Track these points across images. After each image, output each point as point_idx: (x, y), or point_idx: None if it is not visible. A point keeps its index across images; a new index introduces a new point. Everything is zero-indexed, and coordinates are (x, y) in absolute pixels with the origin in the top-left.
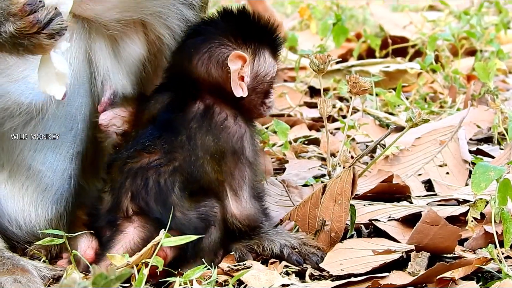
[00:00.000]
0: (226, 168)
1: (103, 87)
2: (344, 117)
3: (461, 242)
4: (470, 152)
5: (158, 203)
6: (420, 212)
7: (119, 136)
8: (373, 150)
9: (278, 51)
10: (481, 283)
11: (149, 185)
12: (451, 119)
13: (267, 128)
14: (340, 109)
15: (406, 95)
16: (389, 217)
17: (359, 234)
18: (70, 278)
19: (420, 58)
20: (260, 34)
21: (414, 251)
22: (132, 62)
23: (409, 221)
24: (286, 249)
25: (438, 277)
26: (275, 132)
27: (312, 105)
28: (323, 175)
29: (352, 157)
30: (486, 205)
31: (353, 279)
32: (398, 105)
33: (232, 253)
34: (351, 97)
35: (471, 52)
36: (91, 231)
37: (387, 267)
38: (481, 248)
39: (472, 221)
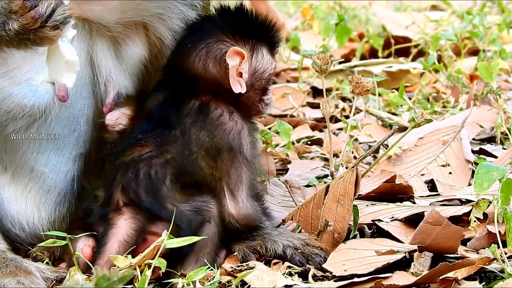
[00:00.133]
0: (223, 165)
1: (105, 89)
2: (347, 117)
3: (464, 242)
4: (473, 152)
5: (148, 194)
6: (423, 212)
7: (117, 134)
8: (376, 151)
9: (275, 48)
10: (484, 283)
11: (139, 176)
12: (454, 119)
13: (270, 128)
14: (343, 109)
15: (409, 95)
16: (392, 217)
17: (362, 235)
18: (73, 280)
19: (423, 58)
20: (257, 31)
21: (417, 251)
22: (134, 63)
23: (412, 221)
24: (289, 249)
25: (441, 277)
26: (278, 132)
27: (315, 106)
28: (326, 176)
29: (355, 157)
30: (489, 205)
31: (356, 279)
32: (401, 105)
33: (235, 254)
34: (353, 97)
35: (474, 52)
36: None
37: (390, 268)
38: (484, 248)
39: (474, 221)
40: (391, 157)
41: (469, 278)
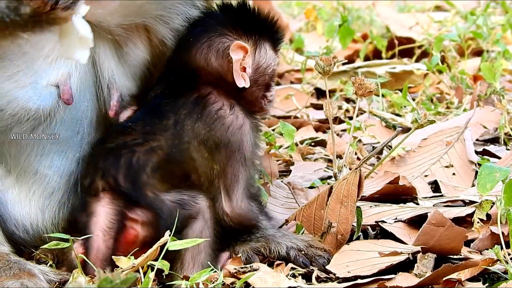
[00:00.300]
0: (220, 159)
1: (109, 91)
2: (351, 118)
3: (468, 243)
4: (477, 153)
5: (127, 180)
6: (427, 213)
7: None
8: (380, 152)
9: (278, 44)
10: (487, 284)
11: (120, 162)
12: (458, 120)
13: (273, 130)
14: (347, 110)
15: (412, 96)
16: (396, 218)
17: (366, 236)
18: (76, 283)
19: (427, 59)
20: (260, 27)
21: (420, 253)
22: (137, 65)
23: (416, 222)
24: (292, 251)
25: (444, 279)
26: (281, 134)
27: (319, 107)
28: (329, 177)
29: (358, 158)
30: (492, 206)
31: (359, 281)
32: (405, 106)
33: (238, 256)
34: (357, 99)
35: (478, 53)
36: None
37: (394, 269)
38: (487, 249)
39: (478, 222)
40: (395, 158)
41: (472, 279)
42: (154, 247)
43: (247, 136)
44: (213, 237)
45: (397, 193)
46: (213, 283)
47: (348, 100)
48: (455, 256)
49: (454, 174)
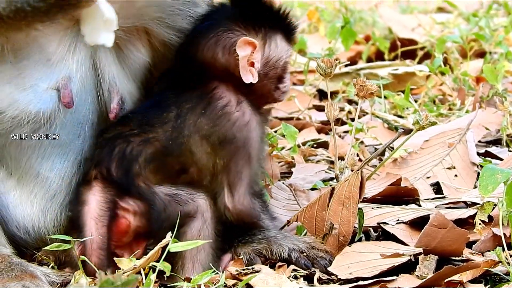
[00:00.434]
0: (224, 155)
1: (109, 94)
2: (353, 120)
3: (470, 244)
4: (479, 154)
5: (119, 169)
6: (429, 215)
7: None
8: (382, 153)
9: (291, 34)
10: (489, 286)
11: (114, 152)
12: (460, 122)
13: (275, 131)
14: (349, 112)
15: (415, 98)
16: (398, 220)
17: (368, 237)
18: (77, 284)
19: (429, 61)
20: (271, 19)
21: (422, 254)
22: (138, 68)
23: (418, 224)
24: (294, 253)
25: (446, 280)
26: (283, 135)
27: (321, 108)
28: (331, 178)
29: (360, 160)
30: (494, 208)
31: (361, 282)
32: (407, 108)
33: (240, 257)
34: (359, 100)
35: (481, 54)
36: None
37: (395, 271)
38: (489, 251)
39: (479, 224)
40: (397, 160)
41: (474, 280)
42: (156, 248)
43: (253, 133)
44: (214, 236)
45: (399, 195)
46: (214, 284)
47: (350, 102)
48: (457, 258)
49: (456, 175)
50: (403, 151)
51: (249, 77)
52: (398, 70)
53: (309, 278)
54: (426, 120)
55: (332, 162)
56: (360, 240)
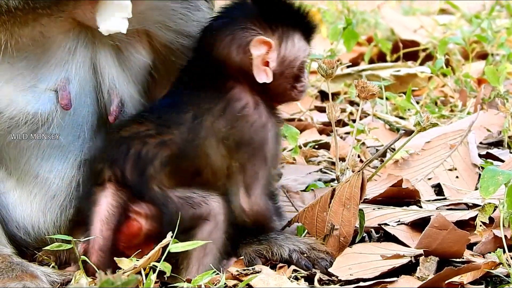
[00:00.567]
0: (240, 158)
1: (109, 96)
2: (355, 121)
3: (471, 246)
4: (480, 156)
5: (134, 171)
6: (430, 216)
7: None
8: (383, 155)
9: (310, 34)
10: (489, 287)
11: (129, 153)
12: (461, 123)
13: None
14: (351, 113)
15: (417, 99)
16: (399, 221)
17: (369, 238)
18: (77, 284)
19: (431, 62)
20: (289, 17)
21: (423, 256)
22: (138, 70)
23: (419, 225)
24: (295, 254)
25: (446, 282)
26: (285, 136)
27: (323, 110)
28: (332, 180)
29: (361, 161)
30: (495, 210)
31: (362, 283)
32: (409, 109)
33: (241, 258)
34: (360, 101)
35: (483, 56)
36: None
37: (396, 272)
38: (490, 253)
39: (480, 225)
40: (398, 161)
41: (474, 282)
42: (156, 248)
43: (269, 134)
44: (224, 240)
45: (400, 196)
46: (215, 285)
47: (352, 103)
48: (457, 259)
49: (457, 177)
50: (404, 152)
51: (263, 76)
52: (400, 72)
53: (309, 279)
54: (427, 121)
55: (333, 163)
56: (361, 241)
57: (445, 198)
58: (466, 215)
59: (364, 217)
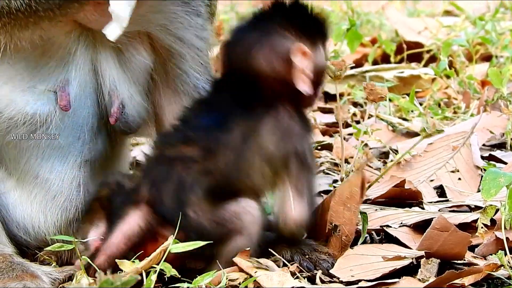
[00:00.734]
0: (286, 172)
1: (110, 98)
2: (358, 122)
3: (472, 248)
4: (483, 158)
5: (172, 196)
6: (433, 218)
7: None
8: (386, 156)
9: (327, 40)
10: None
11: (171, 176)
12: (464, 125)
13: None
14: (354, 114)
15: (420, 101)
16: (401, 223)
17: (371, 240)
18: (78, 284)
19: (435, 64)
20: (315, 26)
21: (424, 258)
22: (139, 72)
23: (421, 227)
24: (297, 255)
25: (447, 284)
26: None
27: (326, 111)
28: (335, 181)
29: (367, 164)
30: (496, 212)
31: (363, 284)
32: (412, 111)
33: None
34: (365, 103)
35: (487, 58)
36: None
37: (397, 273)
38: (491, 254)
39: (482, 227)
40: (400, 163)
41: (476, 284)
42: (158, 250)
43: (309, 146)
44: (256, 251)
45: (402, 197)
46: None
47: (355, 104)
48: (459, 261)
49: (459, 179)
50: (406, 153)
51: (305, 88)
52: (404, 73)
53: (311, 280)
54: (433, 128)
55: (336, 165)
56: (362, 242)
57: (447, 200)
58: (468, 217)
59: (367, 219)
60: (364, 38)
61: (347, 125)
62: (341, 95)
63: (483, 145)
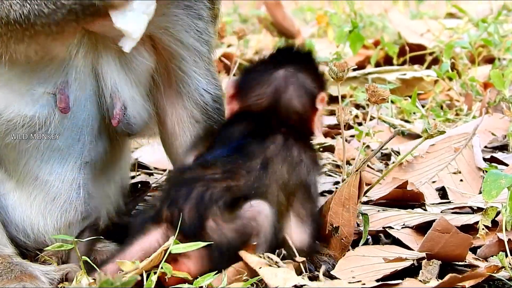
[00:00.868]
0: (295, 200)
1: (112, 100)
2: (360, 124)
3: (474, 249)
4: (485, 160)
5: (193, 211)
6: (435, 220)
7: None
8: (388, 158)
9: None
10: None
11: (191, 194)
12: (466, 127)
13: None
14: (356, 116)
15: (422, 103)
16: (403, 224)
17: (373, 241)
18: (78, 284)
19: (437, 66)
20: (324, 80)
21: (425, 259)
22: (141, 73)
23: (423, 228)
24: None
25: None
26: None
27: (328, 112)
28: (337, 183)
29: (368, 166)
30: (498, 214)
31: (364, 285)
32: (414, 113)
33: None
34: (367, 105)
35: (490, 60)
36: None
37: (398, 275)
38: (493, 256)
39: (483, 229)
40: (402, 164)
41: (477, 286)
42: (158, 251)
43: (315, 177)
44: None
45: (404, 198)
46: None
47: (357, 106)
48: (460, 263)
49: (461, 180)
50: (409, 155)
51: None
52: (406, 75)
53: (313, 280)
54: (435, 129)
55: (337, 166)
56: (364, 244)
57: (449, 202)
58: (471, 219)
59: (368, 221)
60: (367, 40)
61: (349, 127)
62: (343, 97)
63: (485, 147)
